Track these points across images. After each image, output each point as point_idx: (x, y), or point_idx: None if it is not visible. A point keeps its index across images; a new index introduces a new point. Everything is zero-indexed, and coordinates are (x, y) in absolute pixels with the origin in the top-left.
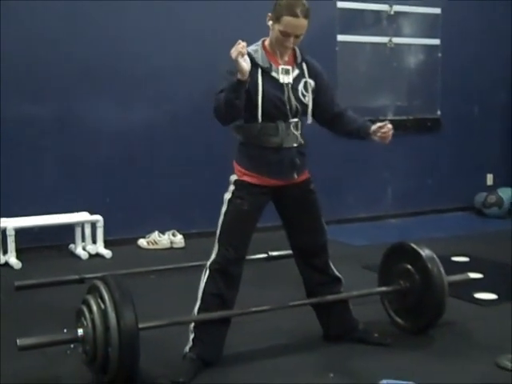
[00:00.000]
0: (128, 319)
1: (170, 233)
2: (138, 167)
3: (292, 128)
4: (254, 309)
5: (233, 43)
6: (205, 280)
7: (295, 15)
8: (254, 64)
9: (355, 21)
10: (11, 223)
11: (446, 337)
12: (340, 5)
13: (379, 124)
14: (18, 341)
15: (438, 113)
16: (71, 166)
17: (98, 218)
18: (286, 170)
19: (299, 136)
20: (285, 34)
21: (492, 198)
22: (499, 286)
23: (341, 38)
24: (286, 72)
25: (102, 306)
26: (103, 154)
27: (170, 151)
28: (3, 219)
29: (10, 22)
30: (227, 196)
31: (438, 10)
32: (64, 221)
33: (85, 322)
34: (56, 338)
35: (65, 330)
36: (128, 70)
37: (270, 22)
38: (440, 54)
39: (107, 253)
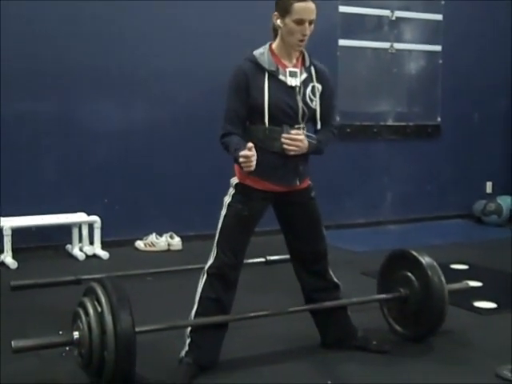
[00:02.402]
0: (125, 323)
1: (168, 235)
2: (137, 168)
3: None
4: (251, 314)
5: (232, 45)
6: (202, 284)
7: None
8: (260, 67)
9: (357, 25)
10: (8, 223)
11: (445, 345)
12: (342, 9)
13: (292, 132)
14: (12, 343)
15: (438, 119)
16: (69, 166)
17: (95, 218)
18: (289, 177)
19: None
20: (299, 22)
21: (491, 206)
22: (498, 295)
23: (342, 42)
24: (294, 75)
25: (99, 308)
26: (102, 155)
27: (169, 153)
28: (0, 218)
29: (10, 21)
30: (227, 199)
31: (439, 17)
32: (61, 221)
33: (81, 325)
34: (51, 340)
35: (60, 332)
36: (128, 71)
37: (278, 21)
38: (441, 61)
39: (104, 254)
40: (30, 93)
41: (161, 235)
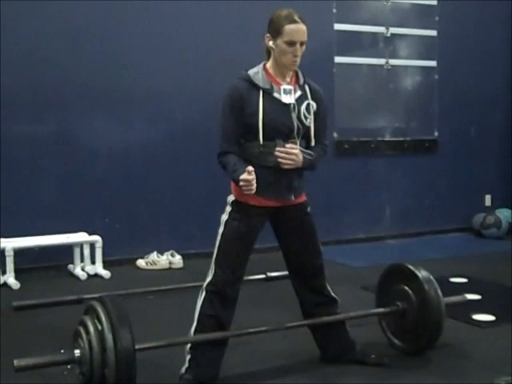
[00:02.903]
0: (125, 340)
1: (169, 253)
2: (137, 187)
3: None
4: (250, 330)
5: (227, 65)
6: (201, 301)
7: (295, 22)
8: (255, 86)
9: (352, 43)
10: (10, 244)
11: (443, 358)
12: (337, 27)
13: (287, 145)
14: (14, 361)
15: (436, 134)
16: (70, 186)
17: (96, 238)
18: (283, 191)
19: None
20: (291, 43)
21: (490, 219)
22: (497, 308)
23: (338, 59)
24: (288, 92)
25: (99, 326)
26: (101, 174)
27: (168, 171)
28: (2, 240)
29: (9, 41)
30: (224, 217)
31: (434, 33)
32: (63, 241)
33: (81, 343)
34: (53, 358)
35: (62, 351)
36: (126, 91)
37: (271, 42)
38: (437, 76)
39: (106, 273)
40: (30, 113)
41: (162, 253)
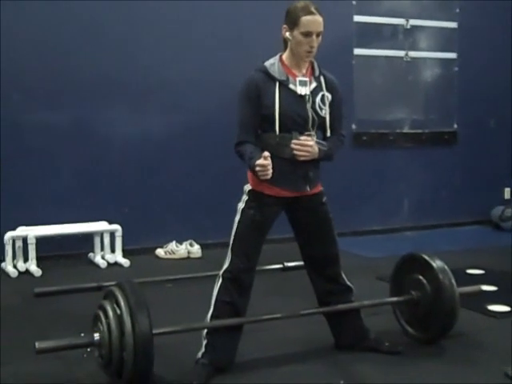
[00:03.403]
0: (143, 325)
1: (188, 243)
2: (156, 177)
3: None
4: (265, 317)
5: (244, 55)
6: (217, 288)
7: (311, 13)
8: (271, 77)
9: (372, 34)
10: (32, 232)
11: (457, 347)
12: (356, 18)
13: (302, 138)
14: (36, 344)
15: (455, 126)
16: (89, 176)
17: (116, 227)
18: (299, 182)
19: None
20: (307, 34)
21: (509, 212)
22: None
23: (357, 51)
24: (304, 83)
25: (118, 311)
26: (120, 164)
27: (185, 161)
28: (24, 228)
29: (25, 32)
30: (240, 205)
31: (454, 24)
32: (83, 230)
33: (101, 327)
34: (73, 341)
35: (82, 335)
36: (142, 80)
37: (287, 33)
38: (456, 68)
39: (125, 262)
40: (48, 104)
41: (180, 243)
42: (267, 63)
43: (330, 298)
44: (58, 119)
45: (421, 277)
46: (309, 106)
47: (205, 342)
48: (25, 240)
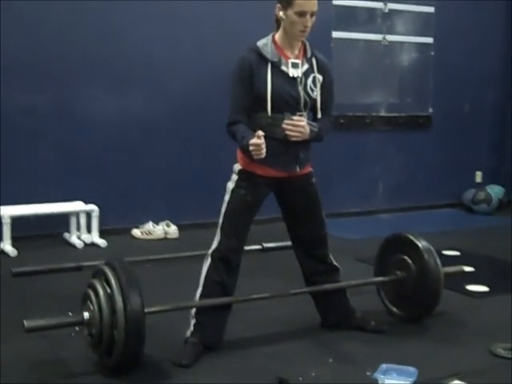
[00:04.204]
0: (134, 303)
1: (164, 223)
2: (133, 157)
3: None
4: (254, 296)
5: (228, 35)
6: (206, 267)
7: None
8: (263, 58)
9: (350, 18)
10: (7, 211)
11: (440, 326)
12: (336, 2)
13: (294, 117)
14: (24, 322)
15: (430, 110)
16: (67, 155)
17: (93, 207)
18: (290, 162)
19: None
20: (301, 14)
21: (481, 195)
22: (491, 279)
23: (336, 34)
24: (296, 66)
25: (108, 290)
26: (99, 144)
27: (165, 142)
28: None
29: (8, 11)
30: (230, 185)
31: (431, 9)
32: (59, 210)
33: (91, 306)
34: (63, 320)
35: (70, 314)
36: (125, 61)
37: (281, 13)
38: (433, 53)
39: (102, 242)
40: (28, 83)
41: (157, 223)
42: (259, 43)
43: (318, 277)
44: (39, 98)
45: (406, 257)
46: (301, 88)
47: (193, 322)
48: None
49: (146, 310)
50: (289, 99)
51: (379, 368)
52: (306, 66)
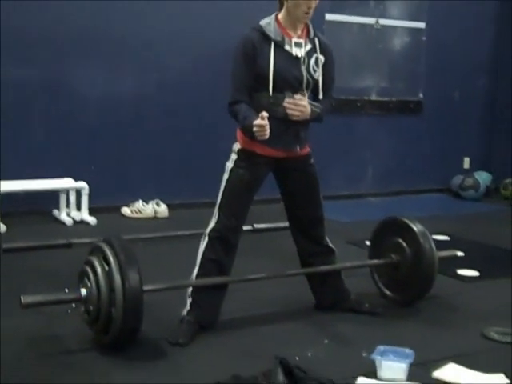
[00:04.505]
0: (133, 281)
1: (154, 202)
2: (125, 135)
3: None
4: (251, 276)
5: (223, 14)
6: (203, 246)
7: None
8: (266, 37)
9: (343, 0)
10: None
11: (432, 309)
12: None
13: (296, 96)
14: (21, 298)
15: (421, 95)
16: (57, 132)
17: (83, 185)
18: (290, 142)
19: None
20: None
21: (469, 181)
22: (481, 264)
23: (329, 17)
24: (299, 45)
25: (106, 267)
26: (90, 121)
27: (157, 121)
28: None
29: None
30: (229, 165)
31: None
32: (49, 186)
33: (88, 283)
34: (60, 296)
35: (66, 290)
36: (117, 37)
37: None
38: (424, 38)
39: (92, 220)
40: (17, 58)
41: (147, 202)
42: (263, 22)
43: (314, 259)
44: (29, 74)
45: (401, 240)
46: (303, 67)
47: (190, 301)
48: None
49: (144, 288)
50: (291, 79)
51: (376, 349)
52: (308, 46)
